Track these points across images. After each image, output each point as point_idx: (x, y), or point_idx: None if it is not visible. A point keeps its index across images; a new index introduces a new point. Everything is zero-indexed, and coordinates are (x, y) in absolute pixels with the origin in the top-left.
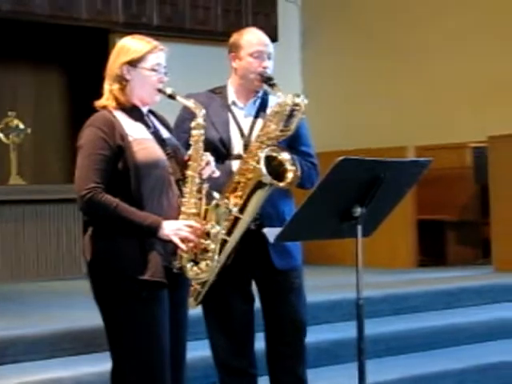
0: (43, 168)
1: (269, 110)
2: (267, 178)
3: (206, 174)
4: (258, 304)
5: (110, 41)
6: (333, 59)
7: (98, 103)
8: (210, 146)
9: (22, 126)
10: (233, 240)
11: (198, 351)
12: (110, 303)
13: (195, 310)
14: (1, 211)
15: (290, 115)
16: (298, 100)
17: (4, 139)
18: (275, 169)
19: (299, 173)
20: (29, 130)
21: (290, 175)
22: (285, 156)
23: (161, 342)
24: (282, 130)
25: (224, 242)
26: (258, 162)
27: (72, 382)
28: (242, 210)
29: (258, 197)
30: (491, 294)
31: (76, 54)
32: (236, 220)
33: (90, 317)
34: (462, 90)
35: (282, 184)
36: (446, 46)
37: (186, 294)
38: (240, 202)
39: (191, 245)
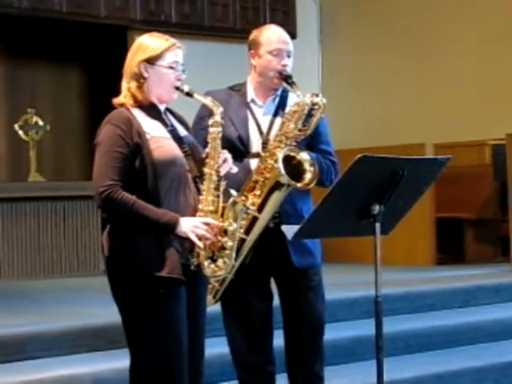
0: (62, 165)
1: (287, 109)
2: (285, 179)
3: (223, 171)
4: (276, 301)
5: (128, 38)
6: (352, 56)
7: (116, 101)
8: (228, 143)
9: (41, 123)
10: (251, 238)
11: (216, 348)
12: (127, 300)
13: (213, 307)
14: (20, 207)
15: (309, 115)
16: (316, 99)
17: (23, 136)
18: (294, 168)
19: (318, 173)
20: (48, 127)
21: (308, 176)
22: (304, 156)
23: (179, 338)
24: (300, 130)
25: (242, 241)
26: (276, 162)
27: (91, 379)
28: (260, 209)
29: (276, 196)
30: (509, 292)
31: (95, 51)
32: (254, 219)
33: (108, 313)
34: (481, 87)
35: (299, 184)
36: (464, 42)
37: (204, 291)
38: (258, 201)
39: (208, 242)
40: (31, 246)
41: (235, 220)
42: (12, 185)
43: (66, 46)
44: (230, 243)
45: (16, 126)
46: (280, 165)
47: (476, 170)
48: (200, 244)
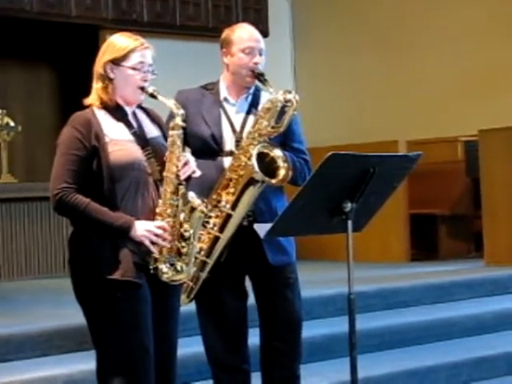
0: (34, 165)
1: (260, 107)
2: (259, 175)
3: (185, 174)
4: (251, 300)
5: (100, 38)
6: (324, 54)
7: (86, 101)
8: (201, 142)
9: (12, 124)
10: (225, 237)
11: (191, 347)
12: (88, 303)
13: (188, 306)
14: None
15: (282, 112)
16: (289, 96)
17: None
18: (267, 166)
19: (291, 170)
20: (19, 128)
21: (282, 172)
22: (277, 153)
23: (142, 342)
24: (273, 127)
25: (216, 239)
26: (249, 159)
27: (65, 380)
28: (233, 206)
29: (250, 193)
30: (483, 288)
31: (66, 50)
32: (228, 216)
33: (81, 314)
34: (453, 84)
35: (273, 181)
36: (436, 41)
37: (174, 291)
38: (232, 198)
39: (165, 246)
40: (4, 247)
41: (192, 226)
42: None
43: (37, 46)
44: (185, 249)
45: None
46: (254, 161)
47: (449, 166)
48: (153, 250)
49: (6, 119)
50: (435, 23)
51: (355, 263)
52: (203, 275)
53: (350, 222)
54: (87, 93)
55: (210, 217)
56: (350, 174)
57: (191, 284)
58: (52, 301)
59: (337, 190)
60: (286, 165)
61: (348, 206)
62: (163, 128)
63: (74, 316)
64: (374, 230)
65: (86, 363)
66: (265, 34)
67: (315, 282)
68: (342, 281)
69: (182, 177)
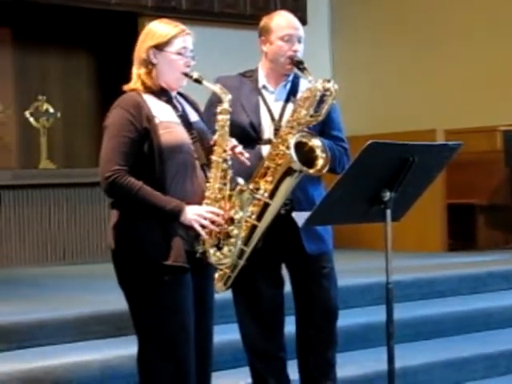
0: (73, 152)
1: (299, 95)
2: (297, 165)
3: (237, 149)
4: (287, 288)
5: (139, 25)
6: (362, 42)
7: (127, 87)
8: (239, 130)
9: (51, 110)
10: (263, 225)
11: (228, 335)
12: (133, 288)
13: (225, 294)
14: (30, 194)
15: (321, 100)
16: (328, 85)
17: (34, 123)
18: (306, 155)
19: (330, 159)
20: (58, 114)
21: (320, 162)
22: (316, 142)
23: (185, 326)
24: (312, 116)
25: (254, 227)
26: (287, 148)
27: (101, 365)
28: (271, 195)
29: (288, 183)
30: None
31: (105, 38)
32: (266, 205)
33: (118, 300)
34: (492, 73)
35: (311, 171)
36: (475, 29)
37: (212, 278)
38: (270, 187)
39: (214, 230)
40: (42, 233)
41: (241, 208)
42: (23, 172)
43: (76, 33)
44: (235, 231)
45: (27, 113)
46: (292, 151)
47: (487, 155)
48: (203, 234)
49: (46, 106)
50: (475, 11)
51: (392, 252)
52: (241, 263)
53: (388, 212)
54: (126, 80)
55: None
56: (389, 162)
57: (228, 272)
58: (88, 286)
59: (376, 178)
60: (324, 155)
61: (387, 195)
62: (200, 113)
63: (111, 302)
64: (412, 220)
65: (122, 349)
66: (303, 22)
67: (352, 270)
68: (380, 270)
69: (230, 161)
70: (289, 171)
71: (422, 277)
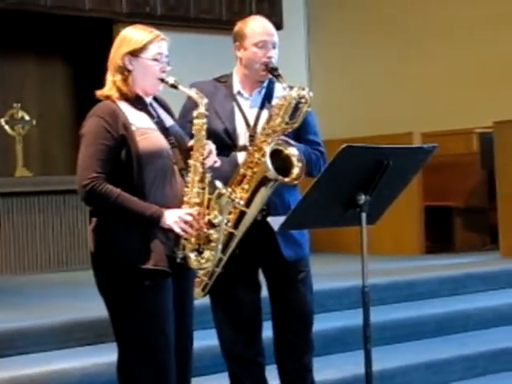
0: (49, 159)
1: (274, 102)
2: (272, 174)
3: (208, 163)
4: (264, 292)
5: (114, 31)
6: (338, 46)
7: (100, 93)
8: (214, 136)
9: (27, 118)
10: (239, 233)
11: (206, 340)
12: (113, 293)
13: (202, 300)
14: (7, 203)
15: (296, 108)
16: (303, 93)
17: (10, 131)
18: (281, 163)
19: (305, 169)
20: (34, 122)
21: (295, 171)
22: (291, 151)
23: (165, 330)
24: (287, 123)
25: (231, 235)
26: (263, 156)
27: (80, 373)
28: (248, 203)
29: (264, 191)
30: (498, 280)
31: (80, 44)
32: (242, 213)
33: (97, 307)
34: (468, 75)
35: (287, 179)
36: (450, 31)
37: (192, 283)
38: (246, 195)
39: (193, 233)
40: (20, 241)
41: (220, 212)
42: None
43: (51, 40)
44: (215, 235)
45: (2, 121)
46: (267, 160)
47: (464, 158)
48: (183, 235)
49: (21, 113)
50: (449, 13)
51: (369, 256)
52: (218, 270)
53: (363, 215)
54: (101, 86)
55: None
56: (364, 166)
57: (206, 279)
58: (67, 294)
59: (351, 182)
60: (300, 164)
61: (362, 198)
62: (173, 116)
63: (89, 309)
64: (388, 223)
65: (103, 356)
66: (279, 26)
67: (329, 274)
68: (356, 273)
69: (208, 165)
70: (264, 180)
71: (400, 279)
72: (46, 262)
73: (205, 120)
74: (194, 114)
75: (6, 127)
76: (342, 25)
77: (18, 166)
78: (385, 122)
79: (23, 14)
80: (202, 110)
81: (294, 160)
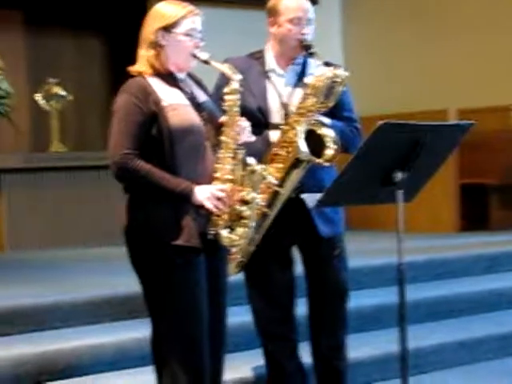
0: (85, 135)
1: (309, 79)
2: (304, 155)
3: (242, 139)
4: (298, 270)
5: (148, 6)
6: (373, 22)
7: (133, 69)
8: (247, 114)
9: (62, 93)
10: (273, 212)
11: (240, 317)
12: (146, 270)
13: (236, 276)
14: (42, 178)
15: (331, 87)
16: (338, 72)
17: (45, 106)
18: (316, 142)
19: (340, 150)
20: (70, 97)
21: (329, 152)
22: (326, 131)
23: (198, 307)
24: (322, 103)
25: (264, 215)
26: (297, 136)
27: (113, 348)
28: (281, 183)
29: (298, 171)
30: None
31: (115, 20)
32: (275, 193)
33: (131, 283)
34: (505, 51)
35: (320, 161)
36: (488, 9)
37: (225, 259)
38: (279, 175)
39: (226, 209)
40: (54, 216)
41: (253, 188)
42: (34, 155)
43: (86, 16)
44: (248, 212)
45: (37, 96)
46: (301, 140)
47: (500, 135)
48: (215, 212)
49: (57, 88)
50: None
51: (404, 233)
52: (251, 249)
53: (400, 192)
54: (136, 61)
55: None
56: (400, 143)
57: (239, 257)
58: (101, 269)
59: (387, 159)
60: (334, 145)
61: (398, 175)
62: (208, 93)
63: (123, 284)
64: (424, 200)
65: (135, 331)
66: (314, 1)
67: (364, 251)
68: (392, 251)
69: (240, 141)
70: (298, 160)
71: (435, 257)
72: (80, 238)
73: (238, 96)
74: (227, 89)
75: (42, 102)
76: (377, 1)
77: (53, 141)
78: (420, 99)
79: None
80: (235, 85)
81: (328, 141)
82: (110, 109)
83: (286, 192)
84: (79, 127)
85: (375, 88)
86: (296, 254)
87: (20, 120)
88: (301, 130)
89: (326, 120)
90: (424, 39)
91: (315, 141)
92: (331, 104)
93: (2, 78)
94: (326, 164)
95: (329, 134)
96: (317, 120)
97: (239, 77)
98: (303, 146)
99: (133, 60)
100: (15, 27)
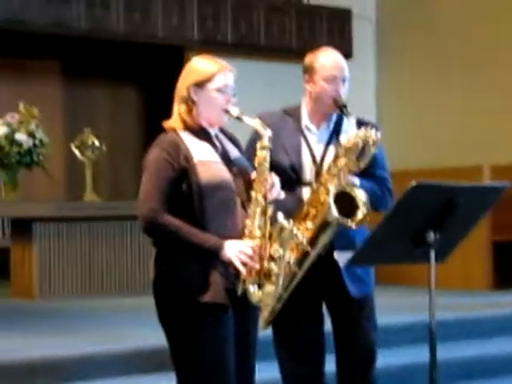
0: (118, 185)
1: (342, 137)
2: (335, 218)
3: (271, 195)
4: (327, 326)
5: (185, 58)
6: (407, 76)
7: (167, 124)
8: (280, 170)
9: (97, 143)
10: (302, 271)
11: (268, 373)
12: (172, 325)
13: (264, 332)
14: (75, 227)
15: (363, 148)
16: (370, 134)
17: (80, 156)
18: (346, 203)
19: (369, 213)
20: (104, 147)
21: (359, 214)
22: (357, 193)
23: (225, 364)
24: (354, 163)
25: (293, 274)
26: (327, 196)
27: None
28: (311, 243)
29: (328, 233)
30: None
31: (152, 71)
32: (305, 252)
33: (157, 335)
34: None
35: (350, 224)
36: None
37: (255, 315)
38: (308, 235)
39: (254, 267)
40: (85, 265)
41: (282, 246)
42: (68, 204)
43: (123, 66)
44: (276, 269)
45: (72, 146)
46: (331, 203)
47: None
48: (243, 270)
49: (91, 139)
50: None
51: (436, 290)
52: (278, 306)
53: (433, 253)
54: (172, 114)
55: None
56: (433, 203)
57: (267, 314)
58: (129, 320)
59: (419, 219)
60: (365, 209)
61: (431, 236)
62: (241, 149)
63: (154, 337)
64: (456, 257)
65: None
66: (348, 55)
67: (394, 307)
68: (422, 308)
69: (270, 198)
70: (328, 222)
71: (467, 315)
72: (112, 288)
73: (268, 152)
74: (258, 145)
75: (76, 152)
76: (411, 55)
77: (87, 191)
78: (453, 154)
79: (95, 40)
80: (265, 141)
81: (359, 203)
82: (143, 160)
83: (316, 252)
84: (113, 177)
85: (408, 141)
86: (325, 310)
87: (55, 169)
88: (332, 191)
89: (356, 180)
90: (458, 92)
91: (346, 200)
92: (363, 165)
93: (38, 127)
94: (355, 227)
95: (360, 196)
96: (348, 181)
97: (269, 133)
98: (334, 210)
99: (168, 111)
100: (53, 77)
